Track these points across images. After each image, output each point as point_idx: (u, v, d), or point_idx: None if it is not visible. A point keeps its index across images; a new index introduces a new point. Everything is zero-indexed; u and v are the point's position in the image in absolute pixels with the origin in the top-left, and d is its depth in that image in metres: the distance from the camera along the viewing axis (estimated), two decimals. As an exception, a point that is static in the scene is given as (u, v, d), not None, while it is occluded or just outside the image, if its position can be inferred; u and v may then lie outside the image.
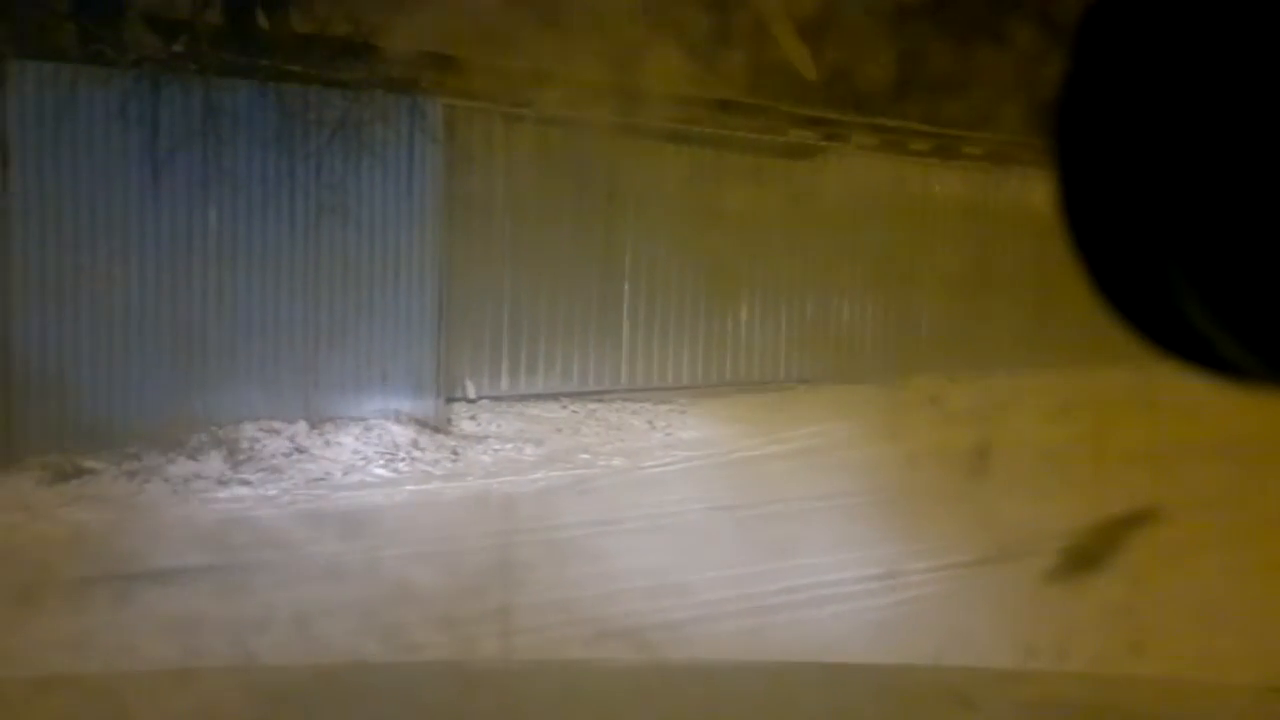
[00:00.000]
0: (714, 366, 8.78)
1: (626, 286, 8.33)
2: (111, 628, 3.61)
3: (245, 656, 3.26)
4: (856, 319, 9.58)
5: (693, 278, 8.50)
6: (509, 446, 6.60)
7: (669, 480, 6.02)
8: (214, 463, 5.66)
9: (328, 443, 6.04)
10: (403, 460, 6.07)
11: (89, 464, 5.55)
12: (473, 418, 7.16)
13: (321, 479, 5.70)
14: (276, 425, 6.05)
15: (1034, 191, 9.28)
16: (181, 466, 5.61)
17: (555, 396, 7.91)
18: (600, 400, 8.02)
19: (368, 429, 6.26)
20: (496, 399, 7.65)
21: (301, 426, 6.08)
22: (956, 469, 4.91)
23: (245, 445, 5.83)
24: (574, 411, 7.70)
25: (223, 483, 5.53)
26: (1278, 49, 0.50)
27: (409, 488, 5.71)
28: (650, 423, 7.58)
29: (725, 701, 1.28)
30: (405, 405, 6.56)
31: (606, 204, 8.18)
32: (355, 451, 6.02)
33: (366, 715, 1.22)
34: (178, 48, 6.43)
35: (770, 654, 3.51)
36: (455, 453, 6.35)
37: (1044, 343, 8.89)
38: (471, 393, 7.53)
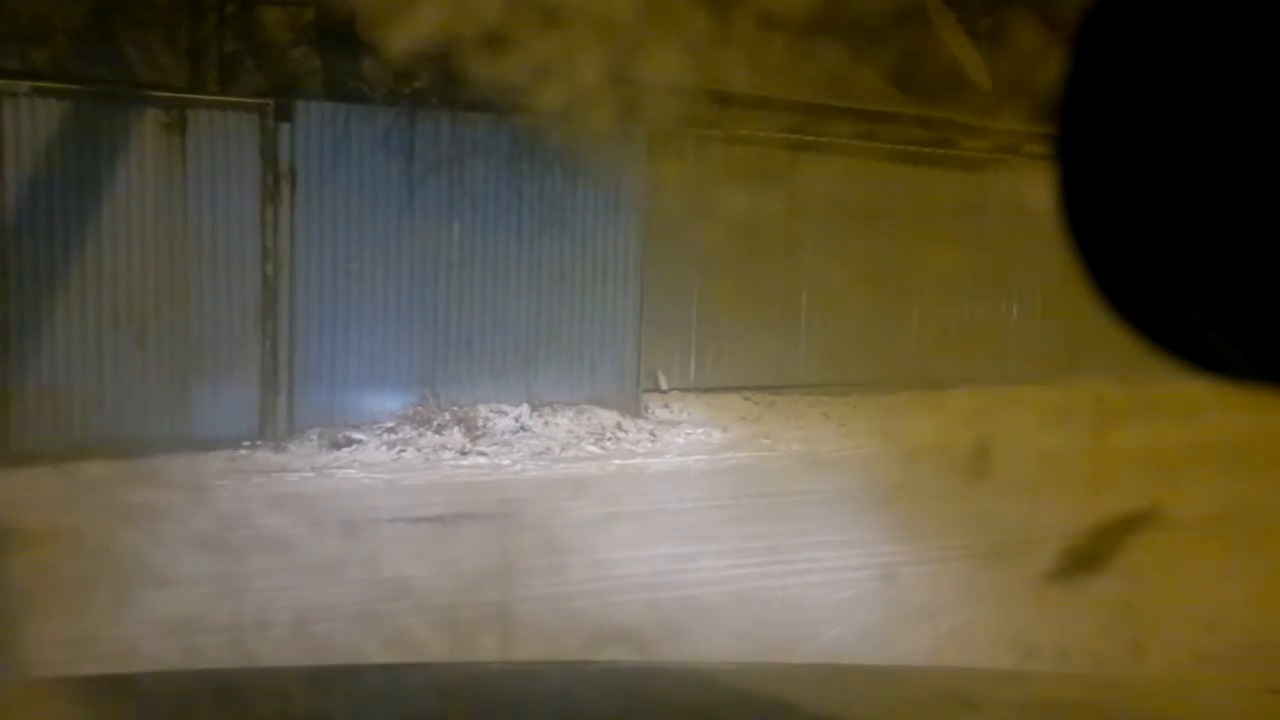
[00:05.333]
0: (885, 366, 9.40)
1: (804, 289, 9.10)
2: (396, 557, 4.64)
3: (482, 574, 4.22)
4: (1023, 322, 10.05)
5: (865, 282, 9.17)
6: (699, 431, 7.51)
7: (844, 462, 6.79)
8: (455, 437, 6.75)
9: (547, 423, 7.07)
10: (610, 440, 7.04)
11: (356, 435, 6.72)
12: (666, 406, 8.08)
13: (543, 453, 6.72)
14: (504, 407, 7.10)
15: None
16: (429, 439, 6.72)
17: (738, 389, 8.74)
18: (778, 394, 8.81)
19: (579, 412, 7.26)
20: (685, 390, 8.54)
21: (525, 409, 7.13)
22: (1111, 469, 5.00)
23: (480, 423, 6.91)
24: (755, 403, 8.52)
25: (463, 453, 6.62)
26: (1277, 49, 0.51)
27: (616, 462, 6.67)
28: (825, 414, 8.34)
29: (725, 701, 1.26)
30: (610, 393, 7.55)
31: (786, 213, 8.96)
32: (570, 431, 7.03)
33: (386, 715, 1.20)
34: (420, 84, 7.59)
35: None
36: (653, 434, 7.29)
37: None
38: (664, 384, 8.44)
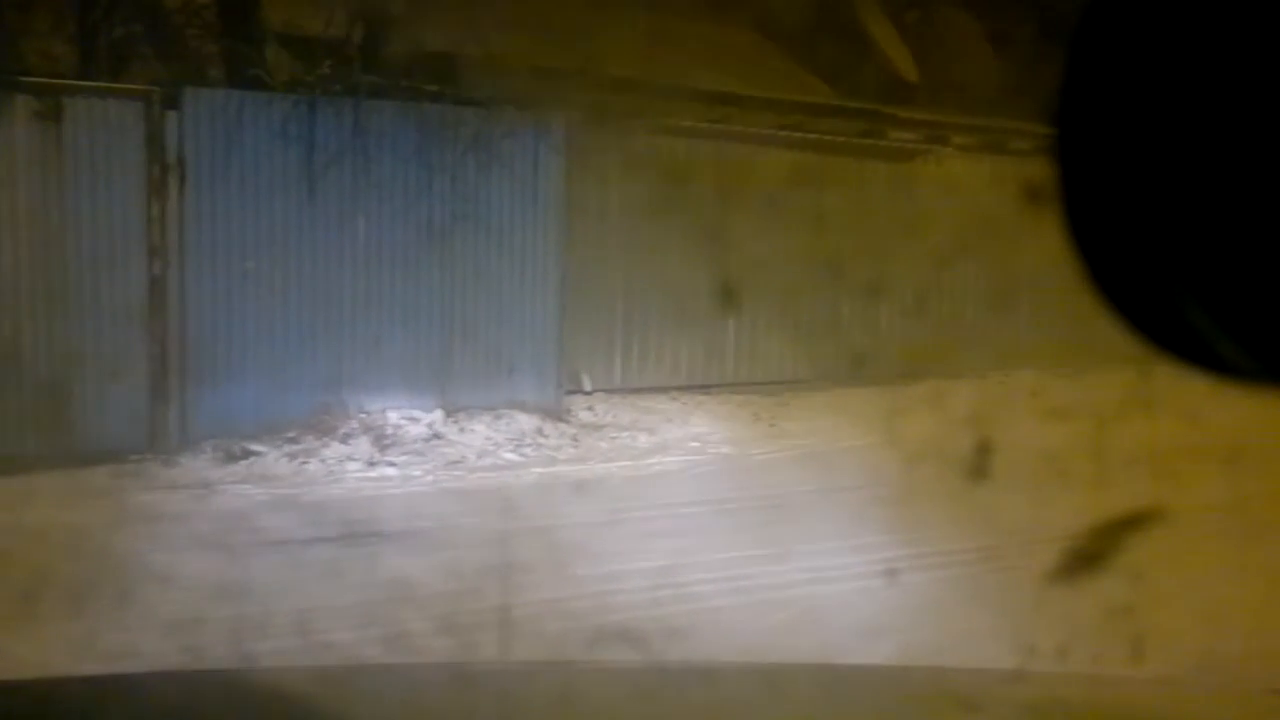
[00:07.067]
0: (817, 362, 9.14)
1: (732, 285, 8.77)
2: (302, 582, 4.20)
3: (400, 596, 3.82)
4: (957, 316, 9.85)
5: (795, 276, 8.89)
6: (624, 435, 7.13)
7: (774, 466, 6.47)
8: (363, 446, 6.29)
9: (462, 430, 6.64)
10: (529, 446, 6.63)
11: (254, 447, 6.23)
12: (590, 408, 7.69)
13: (458, 462, 6.29)
14: (416, 414, 6.66)
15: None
16: (334, 450, 6.25)
17: (665, 389, 8.39)
18: (707, 393, 8.48)
19: (497, 417, 6.84)
20: (610, 391, 8.17)
21: (438, 415, 6.69)
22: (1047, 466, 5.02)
23: (390, 431, 6.46)
24: (683, 404, 8.18)
25: (371, 464, 6.16)
26: (1277, 49, 0.51)
27: (536, 470, 6.27)
28: (755, 414, 8.02)
29: (725, 701, 1.26)
30: (529, 396, 7.14)
31: (714, 208, 8.63)
32: (487, 438, 6.61)
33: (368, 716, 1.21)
34: (324, 71, 7.10)
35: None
36: (575, 440, 6.89)
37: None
38: (588, 385, 8.06)
